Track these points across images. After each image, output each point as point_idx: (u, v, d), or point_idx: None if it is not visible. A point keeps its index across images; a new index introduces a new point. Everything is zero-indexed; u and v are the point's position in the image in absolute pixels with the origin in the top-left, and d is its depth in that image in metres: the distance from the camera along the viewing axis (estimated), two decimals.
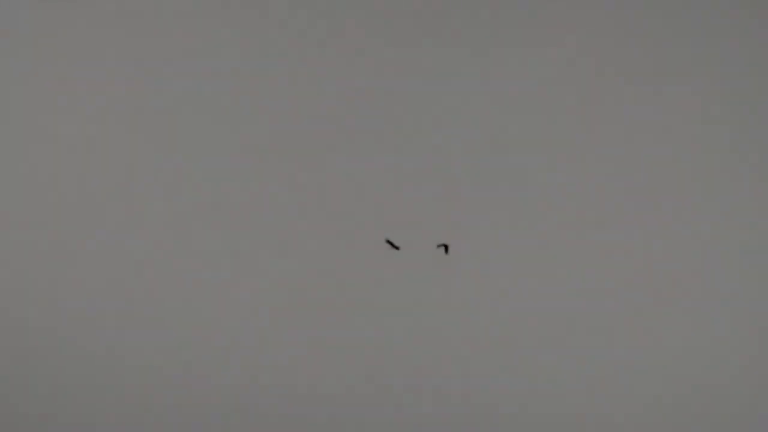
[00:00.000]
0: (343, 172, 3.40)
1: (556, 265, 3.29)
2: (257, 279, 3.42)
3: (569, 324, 3.28)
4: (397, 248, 3.10)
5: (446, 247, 3.20)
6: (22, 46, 3.48)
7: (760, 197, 3.25)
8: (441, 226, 3.32)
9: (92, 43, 3.46)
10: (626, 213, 3.28)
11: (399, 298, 3.35)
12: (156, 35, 3.44)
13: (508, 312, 3.30)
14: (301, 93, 3.41)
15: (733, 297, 3.24)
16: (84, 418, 3.48)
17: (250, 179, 3.44)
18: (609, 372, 3.27)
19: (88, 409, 3.48)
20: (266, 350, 3.41)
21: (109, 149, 3.46)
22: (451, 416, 3.31)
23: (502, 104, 3.34)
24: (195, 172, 3.44)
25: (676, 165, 3.27)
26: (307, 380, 3.36)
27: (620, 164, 3.30)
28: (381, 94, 3.38)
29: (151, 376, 3.49)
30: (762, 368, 3.24)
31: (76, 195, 3.47)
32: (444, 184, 3.34)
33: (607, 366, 3.27)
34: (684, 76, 3.26)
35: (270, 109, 3.43)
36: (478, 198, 3.32)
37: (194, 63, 3.43)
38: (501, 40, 3.33)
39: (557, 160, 3.30)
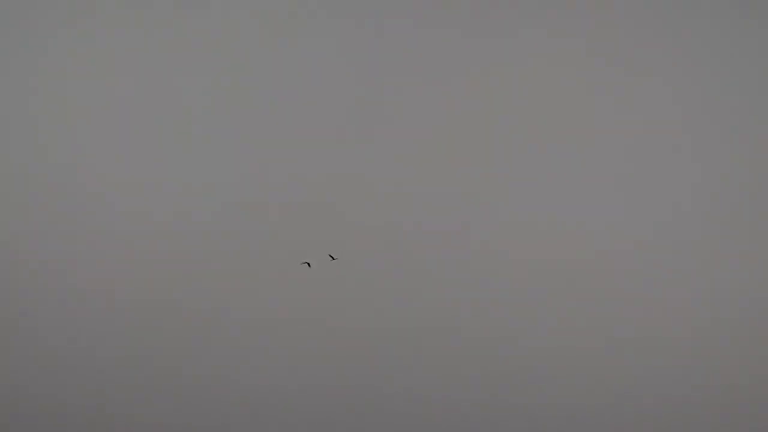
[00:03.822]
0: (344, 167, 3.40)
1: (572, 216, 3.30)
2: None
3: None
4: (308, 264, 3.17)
5: (308, 264, 3.25)
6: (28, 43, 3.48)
7: None
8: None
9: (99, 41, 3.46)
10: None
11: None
12: (160, 34, 3.44)
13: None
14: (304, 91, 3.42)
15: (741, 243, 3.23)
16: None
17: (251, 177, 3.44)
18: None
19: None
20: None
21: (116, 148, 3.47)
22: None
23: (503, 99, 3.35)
24: (195, 167, 3.45)
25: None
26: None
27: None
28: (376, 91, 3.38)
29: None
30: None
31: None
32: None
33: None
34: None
35: (270, 107, 3.43)
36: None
37: (196, 62, 3.43)
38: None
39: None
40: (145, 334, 3.53)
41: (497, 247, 3.39)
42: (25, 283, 3.56)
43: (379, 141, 3.41)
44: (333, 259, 3.34)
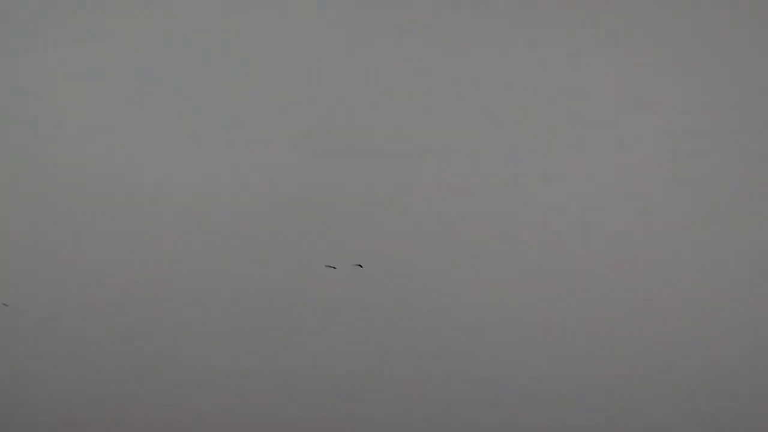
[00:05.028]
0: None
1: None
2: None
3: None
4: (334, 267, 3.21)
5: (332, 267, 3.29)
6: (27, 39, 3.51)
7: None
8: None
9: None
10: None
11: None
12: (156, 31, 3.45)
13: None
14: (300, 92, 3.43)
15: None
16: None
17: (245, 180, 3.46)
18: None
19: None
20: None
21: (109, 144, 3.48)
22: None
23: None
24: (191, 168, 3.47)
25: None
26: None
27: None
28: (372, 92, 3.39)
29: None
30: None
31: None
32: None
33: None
34: None
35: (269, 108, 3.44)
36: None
37: (195, 63, 3.44)
38: None
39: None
40: (153, 327, 3.55)
41: (498, 246, 3.39)
42: (33, 274, 3.58)
43: (382, 141, 3.42)
44: (333, 268, 3.38)
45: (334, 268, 3.38)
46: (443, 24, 3.34)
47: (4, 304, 3.48)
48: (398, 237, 3.40)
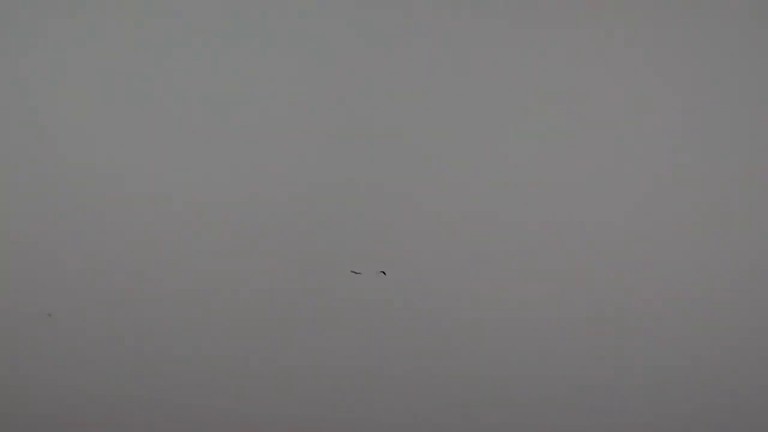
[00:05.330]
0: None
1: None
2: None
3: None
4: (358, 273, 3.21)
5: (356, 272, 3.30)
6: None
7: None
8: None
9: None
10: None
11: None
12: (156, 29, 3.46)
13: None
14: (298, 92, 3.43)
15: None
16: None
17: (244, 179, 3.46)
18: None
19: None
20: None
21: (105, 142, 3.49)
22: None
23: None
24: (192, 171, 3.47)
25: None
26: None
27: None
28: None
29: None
30: None
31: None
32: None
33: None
34: None
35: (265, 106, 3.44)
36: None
37: (192, 63, 3.44)
38: None
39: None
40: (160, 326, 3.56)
41: (498, 247, 3.39)
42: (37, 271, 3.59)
43: (384, 143, 3.42)
44: (357, 273, 3.39)
45: (358, 273, 3.40)
46: (443, 24, 3.34)
47: (48, 314, 3.51)
48: (398, 237, 3.40)
